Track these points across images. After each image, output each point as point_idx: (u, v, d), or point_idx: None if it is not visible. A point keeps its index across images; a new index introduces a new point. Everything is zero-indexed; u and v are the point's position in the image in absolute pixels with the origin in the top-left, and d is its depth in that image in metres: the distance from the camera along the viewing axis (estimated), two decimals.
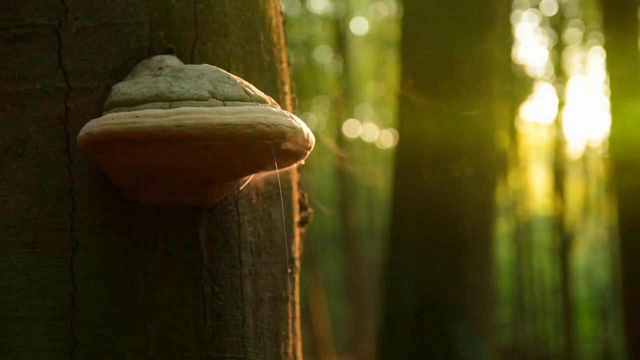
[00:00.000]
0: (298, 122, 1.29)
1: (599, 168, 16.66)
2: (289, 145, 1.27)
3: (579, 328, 15.98)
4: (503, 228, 15.63)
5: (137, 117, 1.21)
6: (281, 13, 1.63)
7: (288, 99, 1.61)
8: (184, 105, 1.24)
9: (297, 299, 1.61)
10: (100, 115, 1.33)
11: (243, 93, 1.30)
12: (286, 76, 1.61)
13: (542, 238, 17.14)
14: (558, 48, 16.10)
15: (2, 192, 1.35)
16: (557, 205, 15.07)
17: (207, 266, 1.41)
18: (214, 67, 1.33)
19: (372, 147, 21.25)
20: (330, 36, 16.98)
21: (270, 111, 1.26)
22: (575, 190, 17.91)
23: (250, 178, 1.45)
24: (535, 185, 18.66)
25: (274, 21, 1.58)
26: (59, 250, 1.34)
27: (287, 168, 1.49)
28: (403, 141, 6.42)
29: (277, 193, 1.54)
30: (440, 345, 5.93)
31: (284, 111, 1.29)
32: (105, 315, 1.34)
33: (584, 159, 17.91)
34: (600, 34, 12.23)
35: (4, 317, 1.33)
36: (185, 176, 1.33)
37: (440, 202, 5.91)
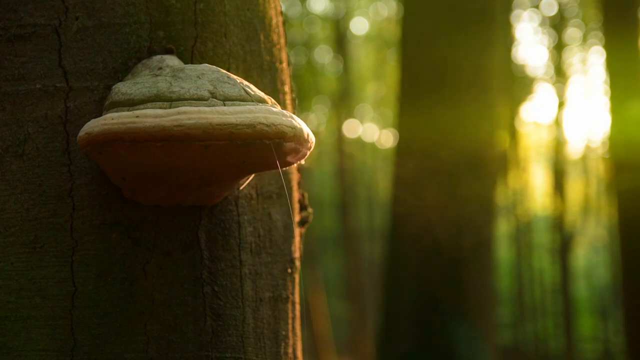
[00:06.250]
0: (298, 122, 1.29)
1: (599, 168, 16.69)
2: (289, 145, 1.27)
3: (579, 328, 15.99)
4: (503, 228, 15.64)
5: (137, 117, 1.21)
6: (281, 13, 1.63)
7: (288, 99, 1.61)
8: (184, 105, 1.24)
9: (297, 299, 1.61)
10: (100, 115, 1.33)
11: (243, 93, 1.29)
12: (286, 76, 1.61)
13: (542, 238, 17.16)
14: (558, 48, 16.11)
15: (2, 192, 1.35)
16: (557, 205, 15.07)
17: (207, 266, 1.41)
18: (214, 67, 1.33)
19: (372, 147, 21.25)
20: (330, 36, 16.99)
21: (270, 111, 1.26)
22: (575, 190, 17.92)
23: (250, 178, 1.45)
24: (535, 185, 18.67)
25: (274, 21, 1.58)
26: (59, 250, 1.34)
27: (287, 168, 1.49)
28: (403, 141, 6.42)
29: (277, 193, 1.54)
30: (440, 345, 5.93)
31: (284, 111, 1.29)
32: (105, 315, 1.34)
33: (584, 159, 17.93)
34: (600, 34, 12.24)
35: (4, 317, 1.33)
36: (185, 176, 1.33)
37: (441, 203, 5.91)
